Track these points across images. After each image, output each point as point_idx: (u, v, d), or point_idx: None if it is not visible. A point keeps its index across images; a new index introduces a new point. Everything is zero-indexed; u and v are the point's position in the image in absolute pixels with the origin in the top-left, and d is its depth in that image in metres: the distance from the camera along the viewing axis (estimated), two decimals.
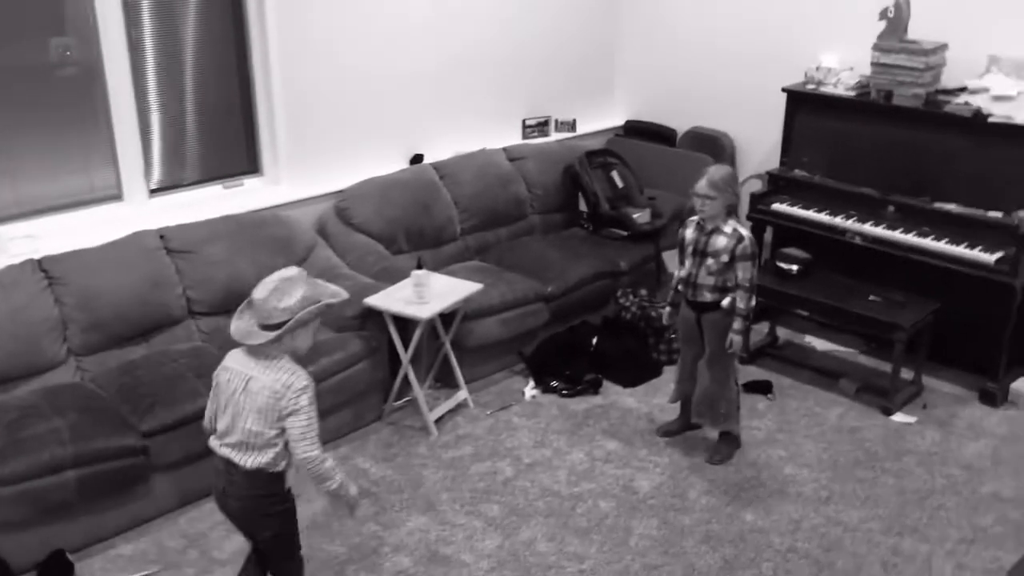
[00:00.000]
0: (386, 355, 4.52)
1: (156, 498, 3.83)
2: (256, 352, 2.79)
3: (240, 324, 2.82)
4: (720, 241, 3.91)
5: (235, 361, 2.86)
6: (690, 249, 4.02)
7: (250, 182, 4.99)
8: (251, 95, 4.88)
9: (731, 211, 3.93)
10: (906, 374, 4.76)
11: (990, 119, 4.53)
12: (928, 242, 4.64)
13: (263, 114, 4.90)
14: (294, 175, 5.01)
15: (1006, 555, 3.63)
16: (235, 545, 3.70)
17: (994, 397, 4.69)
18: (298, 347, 2.84)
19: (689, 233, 4.03)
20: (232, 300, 4.39)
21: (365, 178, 5.15)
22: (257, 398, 2.77)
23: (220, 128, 4.89)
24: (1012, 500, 3.98)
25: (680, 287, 4.13)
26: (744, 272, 3.90)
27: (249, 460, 2.81)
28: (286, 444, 2.81)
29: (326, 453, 2.85)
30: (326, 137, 5.09)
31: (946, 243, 4.59)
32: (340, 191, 5.08)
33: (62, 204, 4.42)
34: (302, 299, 2.77)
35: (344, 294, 2.96)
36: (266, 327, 2.76)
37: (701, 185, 3.88)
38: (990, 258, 4.44)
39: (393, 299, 4.36)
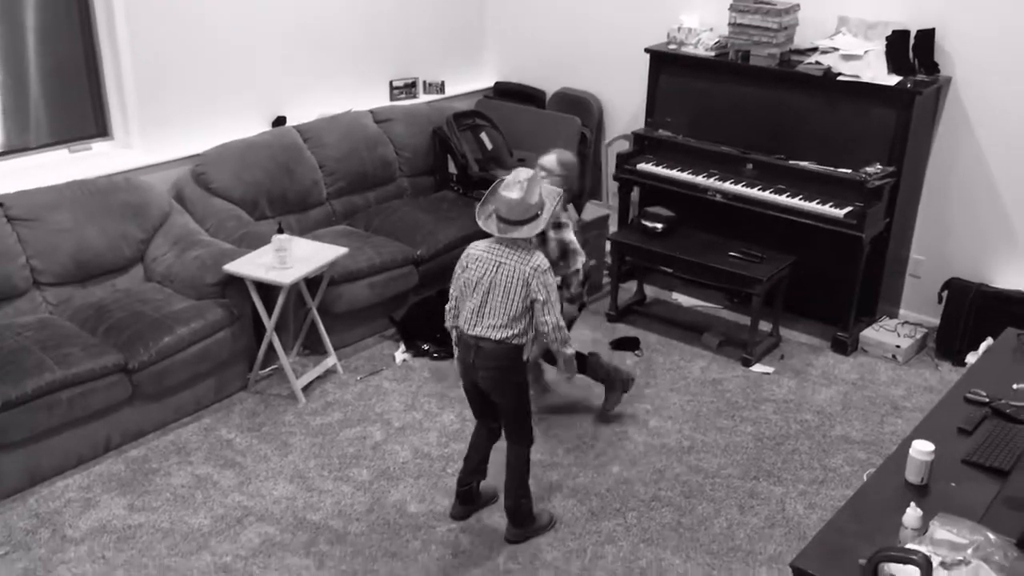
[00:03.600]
0: (250, 323, 4.41)
1: (3, 477, 3.64)
2: (507, 242, 3.20)
3: (492, 223, 3.22)
4: None
5: (482, 249, 3.25)
6: None
7: (99, 146, 4.74)
8: (96, 54, 4.62)
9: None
10: (765, 326, 4.94)
11: (839, 77, 4.70)
12: (783, 199, 4.79)
13: (110, 75, 4.65)
14: (147, 139, 4.77)
15: (852, 492, 3.81)
16: (89, 523, 3.56)
17: (845, 346, 4.91)
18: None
19: None
20: (81, 269, 4.23)
21: (224, 141, 4.97)
22: (508, 280, 3.17)
23: (66, 89, 4.61)
24: (859, 441, 4.19)
25: None
26: None
27: (496, 334, 3.20)
28: (529, 319, 3.23)
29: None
30: (181, 99, 4.87)
31: (800, 199, 4.75)
32: (197, 155, 4.88)
33: None
34: (542, 194, 3.25)
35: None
36: (519, 222, 3.17)
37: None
38: (840, 213, 4.63)
39: (254, 265, 4.24)
